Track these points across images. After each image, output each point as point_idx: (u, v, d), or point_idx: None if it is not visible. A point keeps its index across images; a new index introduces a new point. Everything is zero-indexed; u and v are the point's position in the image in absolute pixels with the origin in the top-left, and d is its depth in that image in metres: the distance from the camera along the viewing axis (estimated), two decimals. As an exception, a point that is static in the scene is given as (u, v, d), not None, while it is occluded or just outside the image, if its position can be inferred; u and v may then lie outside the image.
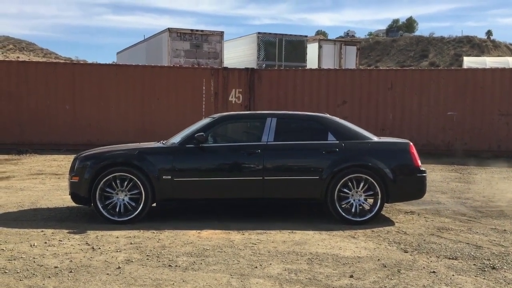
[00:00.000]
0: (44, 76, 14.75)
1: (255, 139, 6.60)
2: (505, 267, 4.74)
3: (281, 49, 21.07)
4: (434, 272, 4.55)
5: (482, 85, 14.66)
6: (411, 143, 6.69)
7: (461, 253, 5.14)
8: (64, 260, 4.72)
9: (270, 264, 4.71)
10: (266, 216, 6.72)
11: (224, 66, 17.95)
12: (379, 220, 6.50)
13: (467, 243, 5.53)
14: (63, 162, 12.35)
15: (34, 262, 4.66)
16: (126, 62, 20.88)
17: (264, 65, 20.26)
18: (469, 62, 29.17)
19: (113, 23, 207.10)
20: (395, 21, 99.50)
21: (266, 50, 20.91)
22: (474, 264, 4.80)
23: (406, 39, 76.72)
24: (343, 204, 6.37)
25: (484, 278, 4.43)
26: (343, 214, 6.32)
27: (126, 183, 6.22)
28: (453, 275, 4.49)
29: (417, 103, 14.88)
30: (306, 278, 4.35)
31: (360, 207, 6.40)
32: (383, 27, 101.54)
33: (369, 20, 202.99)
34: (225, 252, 5.05)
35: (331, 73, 15.89)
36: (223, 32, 19.96)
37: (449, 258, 4.98)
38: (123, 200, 6.23)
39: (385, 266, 4.69)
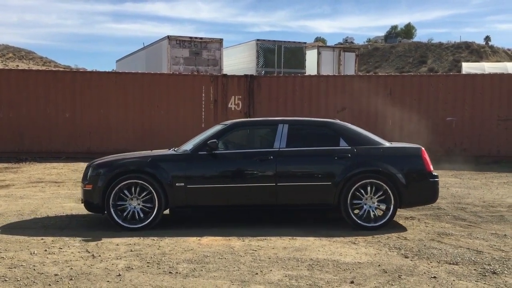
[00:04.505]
0: (44, 84, 14.80)
1: (267, 146, 6.62)
2: (505, 272, 4.73)
3: (280, 56, 21.14)
4: (434, 277, 4.55)
5: (481, 90, 14.70)
6: (423, 148, 6.70)
7: (461, 258, 5.13)
8: (65, 267, 4.72)
9: (271, 270, 4.71)
10: (267, 223, 6.72)
11: (224, 73, 17.99)
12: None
13: (468, 248, 5.52)
14: (63, 170, 12.35)
15: (34, 270, 4.65)
16: (125, 70, 20.94)
17: (263, 72, 20.31)
18: (468, 67, 29.29)
19: (113, 31, 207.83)
20: (394, 27, 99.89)
21: (265, 57, 20.97)
22: (475, 269, 4.80)
23: (404, 45, 76.99)
24: (356, 210, 6.38)
25: (484, 283, 4.42)
26: (356, 219, 6.32)
27: (139, 190, 6.24)
28: (453, 280, 4.48)
29: (416, 109, 14.90)
30: (307, 284, 4.34)
31: (373, 213, 6.40)
32: (382, 33, 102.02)
33: (368, 27, 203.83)
34: (225, 258, 5.05)
35: (330, 79, 15.94)
36: (222, 39, 20.04)
37: (450, 263, 4.97)
38: (136, 207, 6.25)
39: (386, 272, 4.69)
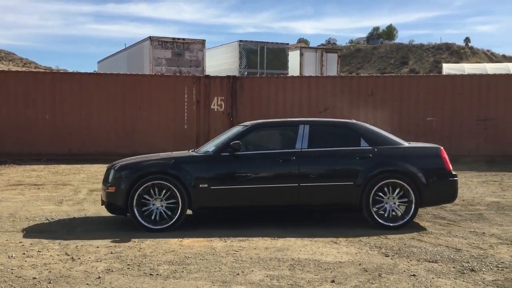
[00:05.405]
0: (24, 85, 14.58)
1: (289, 146, 6.64)
2: (483, 269, 4.81)
3: (263, 56, 21.17)
4: (414, 275, 4.60)
5: (460, 91, 14.91)
6: (442, 148, 6.78)
7: (440, 256, 5.20)
8: (43, 271, 4.65)
9: (252, 270, 4.71)
10: (249, 223, 6.71)
11: (206, 74, 17.94)
12: (360, 225, 6.55)
13: (447, 246, 5.60)
14: (43, 172, 12.18)
15: (12, 273, 4.57)
16: (107, 71, 20.74)
17: (246, 72, 20.32)
18: (448, 68, 29.72)
19: (95, 32, 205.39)
20: (376, 29, 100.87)
21: (248, 58, 20.98)
22: (454, 267, 4.86)
23: (386, 46, 77.81)
24: (378, 209, 6.43)
25: (463, 281, 4.48)
26: (378, 219, 6.38)
27: (162, 191, 6.24)
28: (433, 278, 4.54)
29: (397, 110, 15.06)
30: (288, 284, 4.35)
31: (394, 213, 6.46)
32: (364, 34, 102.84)
33: (350, 28, 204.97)
34: (207, 259, 5.03)
35: (312, 80, 16.01)
36: (205, 40, 20.01)
37: (429, 261, 5.03)
38: (160, 208, 6.25)
39: (366, 271, 4.72)
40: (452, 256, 5.20)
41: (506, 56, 75.47)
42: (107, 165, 6.95)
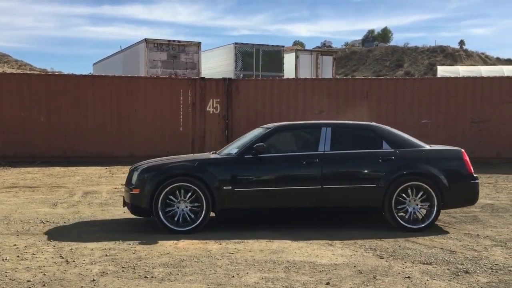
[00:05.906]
0: (18, 87, 14.53)
1: (311, 149, 6.66)
2: (478, 271, 4.83)
3: (258, 59, 21.18)
4: (409, 277, 4.61)
5: (454, 93, 14.98)
6: (463, 150, 6.81)
7: (435, 258, 5.22)
8: (37, 273, 4.63)
9: (247, 273, 4.71)
10: (244, 226, 6.72)
11: (202, 76, 17.93)
12: (356, 228, 6.56)
13: (441, 248, 5.62)
14: (38, 174, 12.13)
15: (6, 276, 4.55)
16: (102, 73, 20.70)
17: (241, 75, 20.32)
18: (443, 71, 29.82)
19: (90, 34, 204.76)
20: (371, 31, 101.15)
21: (243, 60, 20.98)
22: (448, 269, 4.88)
23: (381, 49, 78.05)
24: (400, 212, 6.45)
25: (457, 283, 4.50)
26: (401, 221, 6.40)
27: (186, 193, 6.26)
28: (427, 280, 4.55)
29: (392, 112, 15.10)
30: (283, 286, 4.36)
31: (415, 215, 6.48)
32: (359, 37, 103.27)
33: (346, 31, 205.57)
34: (202, 262, 5.03)
35: (307, 82, 16.04)
36: (200, 42, 19.99)
37: (424, 263, 5.05)
38: (184, 210, 6.28)
39: (361, 273, 4.73)
40: (446, 258, 5.22)
41: (501, 59, 75.92)
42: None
